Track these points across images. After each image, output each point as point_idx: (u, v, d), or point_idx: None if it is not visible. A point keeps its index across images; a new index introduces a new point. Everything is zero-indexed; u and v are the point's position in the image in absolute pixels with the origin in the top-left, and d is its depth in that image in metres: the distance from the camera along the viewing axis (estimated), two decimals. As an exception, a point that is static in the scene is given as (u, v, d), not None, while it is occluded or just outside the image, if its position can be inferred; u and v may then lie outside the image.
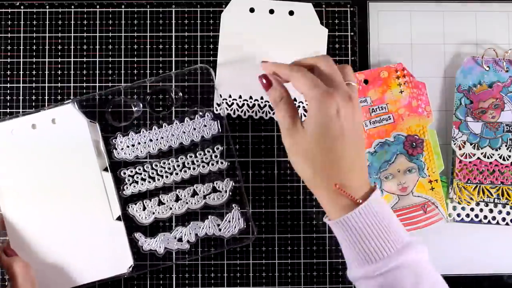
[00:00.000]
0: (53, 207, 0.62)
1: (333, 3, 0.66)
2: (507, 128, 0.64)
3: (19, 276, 0.57)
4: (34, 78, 0.65)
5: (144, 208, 0.63)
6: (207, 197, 0.64)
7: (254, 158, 0.65)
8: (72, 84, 0.65)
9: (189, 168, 0.64)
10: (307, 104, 0.54)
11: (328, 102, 0.52)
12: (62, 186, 0.62)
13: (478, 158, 0.64)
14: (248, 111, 0.65)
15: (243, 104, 0.65)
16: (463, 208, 0.64)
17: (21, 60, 0.65)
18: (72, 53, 0.65)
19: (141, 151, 0.63)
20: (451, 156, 0.65)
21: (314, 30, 0.66)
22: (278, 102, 0.55)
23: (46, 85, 0.65)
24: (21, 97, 0.65)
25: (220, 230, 0.64)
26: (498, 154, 0.64)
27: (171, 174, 0.64)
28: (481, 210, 0.64)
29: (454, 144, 0.65)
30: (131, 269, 0.63)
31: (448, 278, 0.65)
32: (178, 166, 0.64)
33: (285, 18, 0.65)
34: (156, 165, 0.64)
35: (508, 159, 0.64)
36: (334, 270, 0.64)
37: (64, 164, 0.62)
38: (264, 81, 0.56)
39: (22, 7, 0.65)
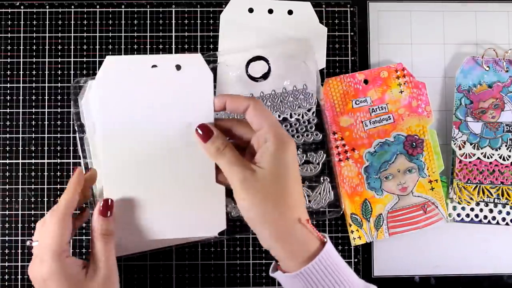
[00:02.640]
0: (160, 152, 0.57)
1: (333, 3, 0.66)
2: (507, 128, 0.64)
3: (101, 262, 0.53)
4: (34, 78, 0.65)
5: None
6: (300, 167, 0.64)
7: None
8: (71, 84, 0.65)
9: None
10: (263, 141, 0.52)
11: (291, 144, 0.51)
12: (173, 137, 0.57)
13: (478, 158, 0.64)
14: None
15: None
16: (463, 208, 0.64)
17: (21, 60, 0.65)
18: (72, 53, 0.65)
19: None
20: (451, 156, 0.65)
21: (313, 29, 0.66)
22: (222, 150, 0.52)
23: (46, 85, 0.65)
24: (21, 97, 0.65)
25: (309, 201, 0.64)
26: (498, 154, 0.64)
27: None
28: (481, 210, 0.64)
29: (454, 144, 0.65)
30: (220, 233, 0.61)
31: (448, 278, 0.66)
32: None
33: (284, 18, 0.66)
34: None
35: (508, 159, 0.64)
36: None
37: (180, 113, 0.57)
38: (201, 132, 0.53)
39: (22, 7, 0.66)
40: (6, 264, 0.64)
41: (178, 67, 0.57)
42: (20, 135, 0.64)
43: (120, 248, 0.58)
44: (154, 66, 0.56)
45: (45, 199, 0.64)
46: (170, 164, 0.57)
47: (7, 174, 0.64)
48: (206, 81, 0.56)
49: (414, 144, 0.64)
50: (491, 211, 0.64)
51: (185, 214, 0.58)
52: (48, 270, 0.51)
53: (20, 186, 0.64)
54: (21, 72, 0.65)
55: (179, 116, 0.56)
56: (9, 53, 0.65)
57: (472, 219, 0.64)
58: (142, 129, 0.56)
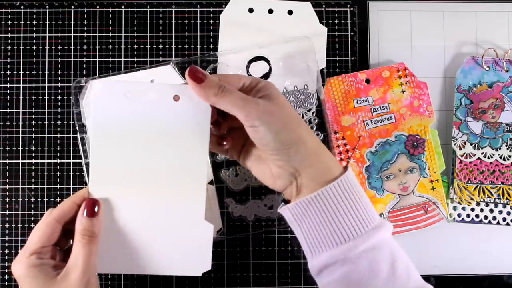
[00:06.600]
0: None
1: (333, 3, 0.66)
2: (507, 128, 0.64)
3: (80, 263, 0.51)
4: (34, 78, 0.65)
5: (237, 175, 0.63)
6: None
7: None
8: (72, 84, 0.65)
9: None
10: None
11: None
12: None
13: (479, 158, 0.64)
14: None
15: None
16: (463, 208, 0.65)
17: (21, 60, 0.65)
18: (72, 53, 0.65)
19: None
20: (452, 156, 0.65)
21: (313, 29, 0.66)
22: (220, 93, 0.48)
23: (46, 85, 0.65)
24: (21, 97, 0.64)
25: None
26: (499, 154, 0.64)
27: None
28: (481, 210, 0.64)
29: (455, 144, 0.65)
30: (219, 233, 0.62)
31: (448, 278, 0.66)
32: None
33: (284, 18, 0.66)
34: None
35: (508, 159, 0.64)
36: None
37: (175, 144, 0.55)
38: (191, 77, 0.48)
39: (22, 7, 0.65)
40: (6, 264, 0.64)
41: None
42: (20, 135, 0.64)
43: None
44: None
45: (45, 199, 0.64)
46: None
47: (7, 174, 0.64)
48: (203, 112, 0.53)
49: (415, 144, 0.64)
50: (491, 211, 0.64)
51: (170, 250, 0.55)
52: (17, 268, 0.51)
53: (20, 186, 0.64)
54: (21, 72, 0.65)
55: (172, 146, 0.54)
56: (9, 53, 0.65)
57: (472, 219, 0.65)
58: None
